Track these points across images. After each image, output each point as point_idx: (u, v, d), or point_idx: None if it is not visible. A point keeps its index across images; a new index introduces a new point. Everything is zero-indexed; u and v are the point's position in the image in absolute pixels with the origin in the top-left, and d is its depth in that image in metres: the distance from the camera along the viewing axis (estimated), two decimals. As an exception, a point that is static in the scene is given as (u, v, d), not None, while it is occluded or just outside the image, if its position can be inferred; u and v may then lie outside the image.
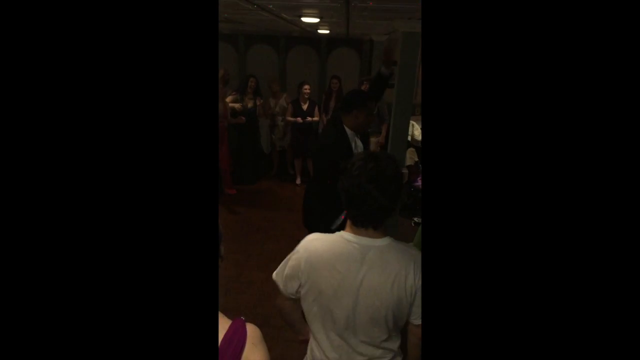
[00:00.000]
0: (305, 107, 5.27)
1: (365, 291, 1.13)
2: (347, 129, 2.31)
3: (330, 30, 5.61)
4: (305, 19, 3.89)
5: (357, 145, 2.36)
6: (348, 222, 1.21)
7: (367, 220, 1.15)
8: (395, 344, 1.24)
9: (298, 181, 5.53)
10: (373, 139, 4.96)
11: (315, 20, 3.93)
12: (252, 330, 0.92)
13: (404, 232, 2.63)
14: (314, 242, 1.21)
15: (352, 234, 1.18)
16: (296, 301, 1.28)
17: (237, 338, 0.89)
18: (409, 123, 3.76)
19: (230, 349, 0.87)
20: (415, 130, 4.89)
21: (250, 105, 5.17)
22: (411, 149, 4.52)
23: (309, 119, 5.18)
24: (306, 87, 5.23)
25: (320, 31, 5.82)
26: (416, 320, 1.17)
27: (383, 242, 1.17)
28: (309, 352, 1.32)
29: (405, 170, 3.68)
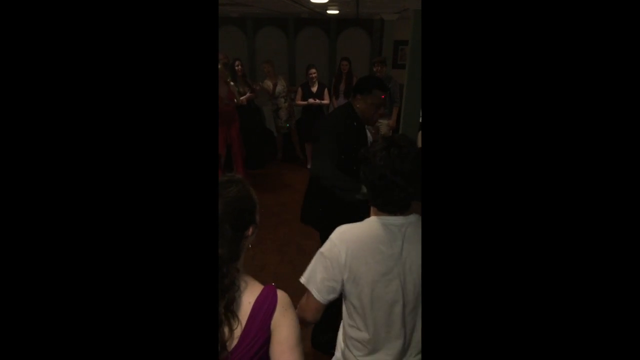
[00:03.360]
0: (314, 89, 5.24)
1: (411, 269, 1.15)
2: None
3: (339, 10, 5.49)
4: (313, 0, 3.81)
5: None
6: (373, 209, 1.21)
7: (394, 208, 1.16)
8: None
9: (309, 165, 5.52)
10: (383, 122, 4.90)
11: (324, 0, 3.86)
12: (282, 296, 0.99)
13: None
14: (349, 232, 1.18)
15: (384, 216, 1.18)
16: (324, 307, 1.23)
17: (268, 303, 0.95)
18: (420, 105, 3.70)
19: (261, 312, 0.94)
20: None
21: (245, 90, 4.94)
22: (423, 131, 4.44)
23: (316, 100, 5.14)
24: (312, 70, 5.22)
25: (329, 11, 5.71)
26: None
27: (413, 217, 1.19)
28: (341, 345, 1.31)
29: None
